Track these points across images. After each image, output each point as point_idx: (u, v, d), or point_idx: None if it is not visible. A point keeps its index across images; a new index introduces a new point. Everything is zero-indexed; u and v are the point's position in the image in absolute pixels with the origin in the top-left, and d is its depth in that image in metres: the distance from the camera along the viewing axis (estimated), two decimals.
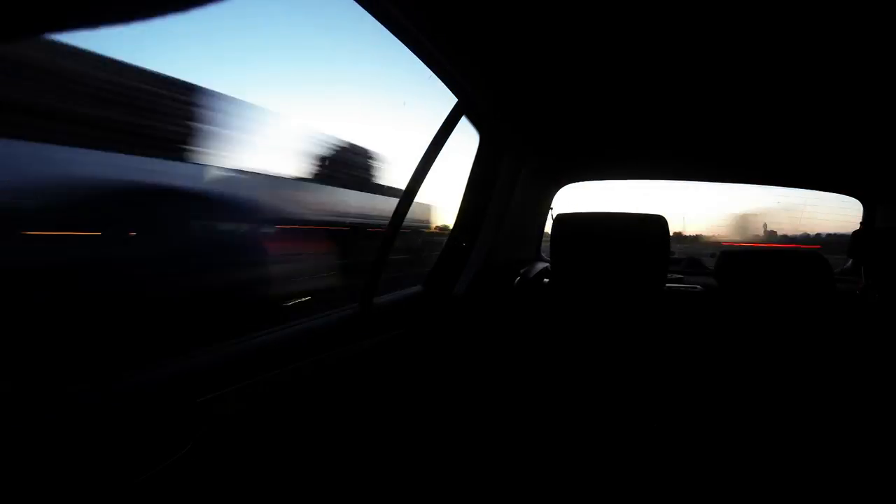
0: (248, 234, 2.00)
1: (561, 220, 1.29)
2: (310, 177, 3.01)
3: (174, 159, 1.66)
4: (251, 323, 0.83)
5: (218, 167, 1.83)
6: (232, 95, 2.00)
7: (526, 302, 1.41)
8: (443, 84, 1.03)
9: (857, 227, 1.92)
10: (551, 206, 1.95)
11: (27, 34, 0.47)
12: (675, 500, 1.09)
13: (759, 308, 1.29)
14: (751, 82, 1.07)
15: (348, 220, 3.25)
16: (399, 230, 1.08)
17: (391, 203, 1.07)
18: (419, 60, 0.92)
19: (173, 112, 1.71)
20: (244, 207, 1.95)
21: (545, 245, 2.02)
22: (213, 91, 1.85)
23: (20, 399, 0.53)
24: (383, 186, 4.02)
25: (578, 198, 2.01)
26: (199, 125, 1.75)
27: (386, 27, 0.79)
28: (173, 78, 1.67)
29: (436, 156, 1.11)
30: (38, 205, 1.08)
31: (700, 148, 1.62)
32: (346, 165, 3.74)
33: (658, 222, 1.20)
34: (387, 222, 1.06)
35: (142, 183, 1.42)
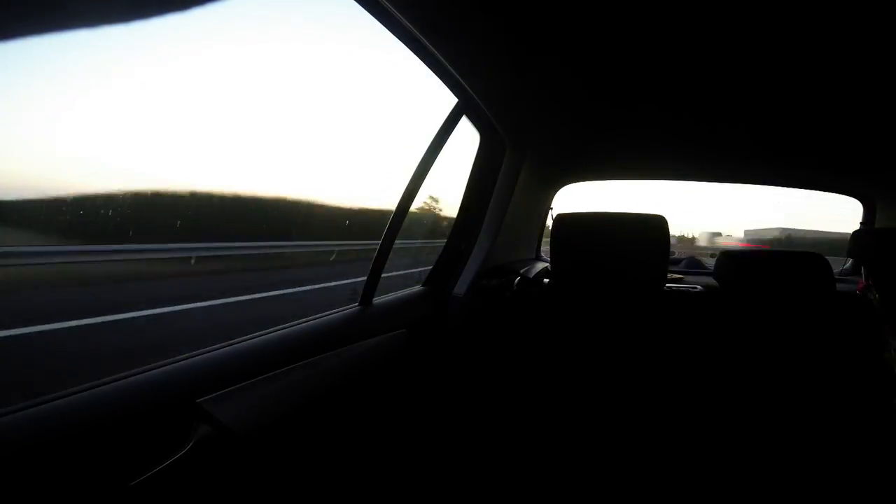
0: None
1: (561, 220, 1.28)
2: None
3: None
4: None
5: None
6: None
7: (526, 302, 1.41)
8: (442, 84, 1.03)
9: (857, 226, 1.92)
10: (551, 206, 1.95)
11: (26, 33, 0.47)
12: (676, 500, 1.09)
13: (760, 308, 1.29)
14: (752, 83, 1.07)
15: None
16: (399, 231, 1.08)
17: None
18: (419, 60, 0.92)
19: None
20: None
21: (545, 245, 2.02)
22: None
23: (19, 398, 0.53)
24: None
25: (579, 198, 2.02)
26: None
27: (386, 27, 0.79)
28: None
29: (436, 157, 1.11)
30: None
31: (700, 148, 1.62)
32: None
33: (658, 222, 1.20)
34: None
35: None
